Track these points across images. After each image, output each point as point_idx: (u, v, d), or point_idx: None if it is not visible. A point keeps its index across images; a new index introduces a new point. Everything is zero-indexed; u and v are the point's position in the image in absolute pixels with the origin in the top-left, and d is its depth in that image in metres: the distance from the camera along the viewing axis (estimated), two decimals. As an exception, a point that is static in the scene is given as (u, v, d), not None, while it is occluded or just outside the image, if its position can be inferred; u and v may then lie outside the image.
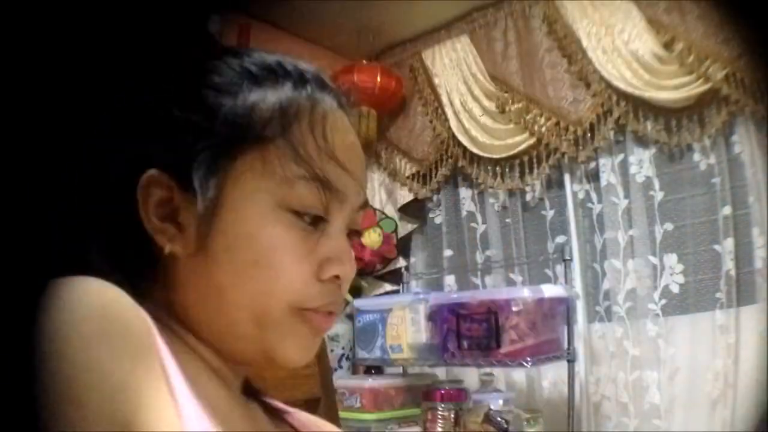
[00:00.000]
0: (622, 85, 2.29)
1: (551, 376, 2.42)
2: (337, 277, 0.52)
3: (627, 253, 2.32)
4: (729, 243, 2.10)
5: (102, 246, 0.51)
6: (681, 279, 2.23)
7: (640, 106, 2.30)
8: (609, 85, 2.33)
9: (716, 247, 2.16)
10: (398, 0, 2.67)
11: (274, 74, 0.53)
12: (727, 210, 2.13)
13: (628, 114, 2.32)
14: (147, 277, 0.52)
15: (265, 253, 0.49)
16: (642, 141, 2.34)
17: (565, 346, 2.05)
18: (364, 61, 2.84)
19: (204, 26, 2.32)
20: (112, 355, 0.38)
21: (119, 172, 0.51)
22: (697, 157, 2.24)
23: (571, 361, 2.07)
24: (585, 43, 2.39)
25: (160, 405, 0.40)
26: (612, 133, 2.38)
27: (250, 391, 0.61)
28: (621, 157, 2.38)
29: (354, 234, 0.57)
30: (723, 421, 2.01)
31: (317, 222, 0.52)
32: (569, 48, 2.45)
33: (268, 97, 0.51)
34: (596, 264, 2.43)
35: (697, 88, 2.15)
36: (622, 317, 2.30)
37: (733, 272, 2.08)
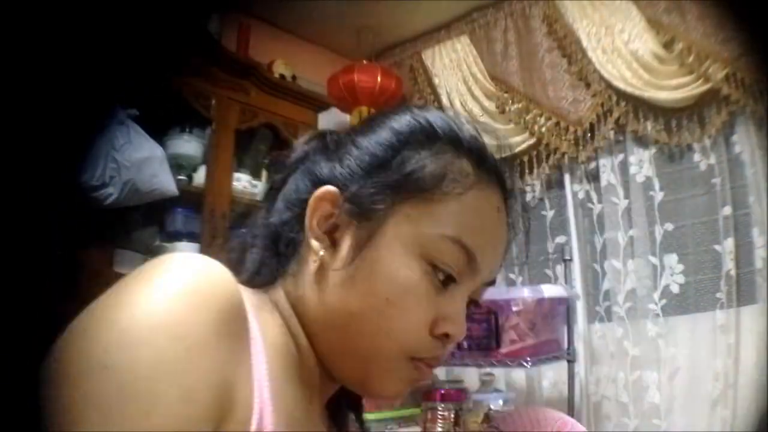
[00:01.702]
0: (622, 85, 2.29)
1: (551, 376, 2.42)
2: (446, 335, 0.56)
3: (627, 253, 2.32)
4: (729, 243, 2.10)
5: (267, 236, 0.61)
6: (681, 279, 2.23)
7: (640, 106, 2.30)
8: (609, 85, 2.33)
9: (716, 247, 2.15)
10: (398, 0, 2.67)
11: (460, 144, 0.58)
12: (727, 210, 2.13)
13: (628, 114, 2.32)
14: (290, 270, 0.59)
15: (399, 294, 0.53)
16: (642, 141, 2.34)
17: (565, 346, 2.05)
18: (364, 61, 2.83)
19: (204, 26, 2.32)
20: (219, 338, 0.42)
21: (301, 183, 0.60)
22: (697, 157, 2.24)
23: (571, 361, 2.07)
24: (585, 43, 2.39)
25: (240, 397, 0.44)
26: (612, 133, 2.38)
27: (337, 412, 0.65)
28: (621, 157, 2.38)
29: (472, 303, 0.61)
30: (723, 421, 2.01)
31: (447, 281, 0.55)
32: (569, 48, 2.45)
33: (448, 162, 0.57)
34: (596, 264, 2.43)
35: (697, 88, 2.15)
36: (622, 317, 2.29)
37: (733, 272, 2.08)
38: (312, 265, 0.56)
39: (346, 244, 0.55)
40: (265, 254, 0.60)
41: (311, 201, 0.57)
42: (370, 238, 0.54)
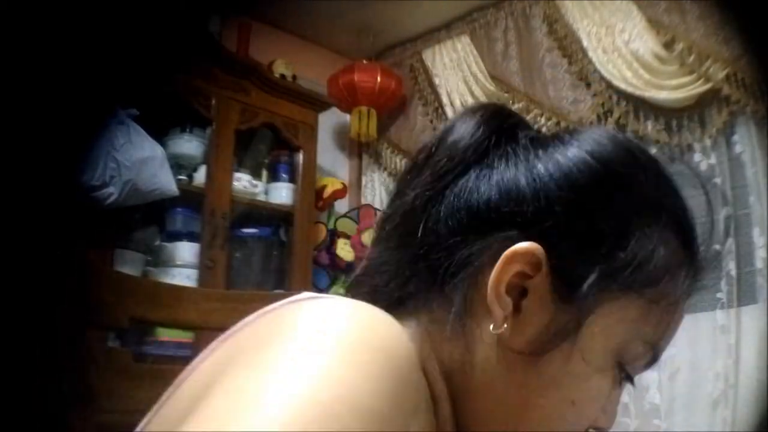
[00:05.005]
0: (622, 85, 2.29)
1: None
2: (598, 426, 0.49)
3: (627, 253, 2.32)
4: (729, 243, 2.10)
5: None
6: (681, 279, 2.22)
7: (641, 106, 2.30)
8: (609, 85, 2.33)
9: (716, 247, 2.15)
10: (398, 0, 2.67)
11: (684, 227, 0.48)
12: (727, 210, 2.13)
13: (628, 114, 2.32)
14: (437, 307, 0.47)
15: (587, 400, 0.45)
16: (642, 141, 2.33)
17: None
18: (364, 61, 2.83)
19: (205, 26, 2.32)
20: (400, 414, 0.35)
21: (495, 226, 0.45)
22: (697, 157, 2.24)
23: (572, 362, 2.07)
24: (585, 43, 2.39)
25: None
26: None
27: None
28: (621, 157, 2.38)
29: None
30: (724, 421, 2.01)
31: (624, 379, 0.48)
32: (569, 48, 2.45)
33: (674, 253, 0.46)
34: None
35: (698, 88, 2.15)
36: (622, 317, 2.29)
37: (733, 272, 2.08)
38: (487, 334, 0.44)
39: (536, 323, 0.44)
40: (411, 277, 0.48)
41: (507, 254, 0.43)
42: (574, 331, 0.43)
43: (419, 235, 0.47)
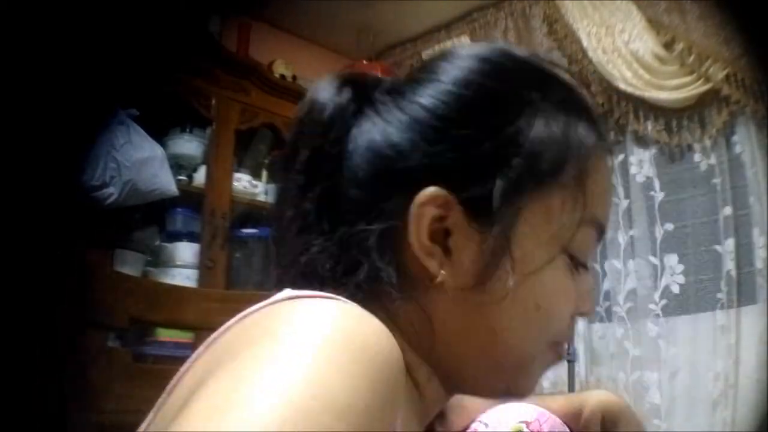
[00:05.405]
0: (622, 85, 2.29)
1: (551, 376, 2.41)
2: (582, 312, 0.51)
3: (627, 253, 2.32)
4: (729, 243, 2.10)
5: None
6: (681, 279, 2.23)
7: (641, 106, 2.30)
8: (609, 85, 2.33)
9: (716, 247, 2.15)
10: (398, 0, 2.67)
11: (578, 110, 0.49)
12: (727, 210, 2.13)
13: (629, 114, 2.32)
14: (395, 298, 0.46)
15: (548, 298, 0.47)
16: (642, 141, 2.34)
17: (565, 346, 2.05)
18: (364, 61, 2.83)
19: (205, 26, 2.32)
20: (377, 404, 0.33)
21: (394, 181, 0.46)
22: (697, 157, 2.24)
23: (571, 362, 2.07)
24: (585, 43, 2.39)
25: None
26: (612, 133, 2.38)
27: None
28: (621, 157, 2.38)
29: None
30: (723, 422, 2.01)
31: (579, 262, 0.49)
32: (569, 48, 2.45)
33: (573, 136, 0.47)
34: (596, 264, 2.43)
35: (698, 89, 2.15)
36: (622, 317, 2.30)
37: (733, 272, 2.08)
38: (431, 288, 0.45)
39: (469, 255, 0.45)
40: (335, 266, 0.46)
41: (414, 209, 0.44)
42: (503, 246, 0.45)
43: (326, 227, 0.47)
